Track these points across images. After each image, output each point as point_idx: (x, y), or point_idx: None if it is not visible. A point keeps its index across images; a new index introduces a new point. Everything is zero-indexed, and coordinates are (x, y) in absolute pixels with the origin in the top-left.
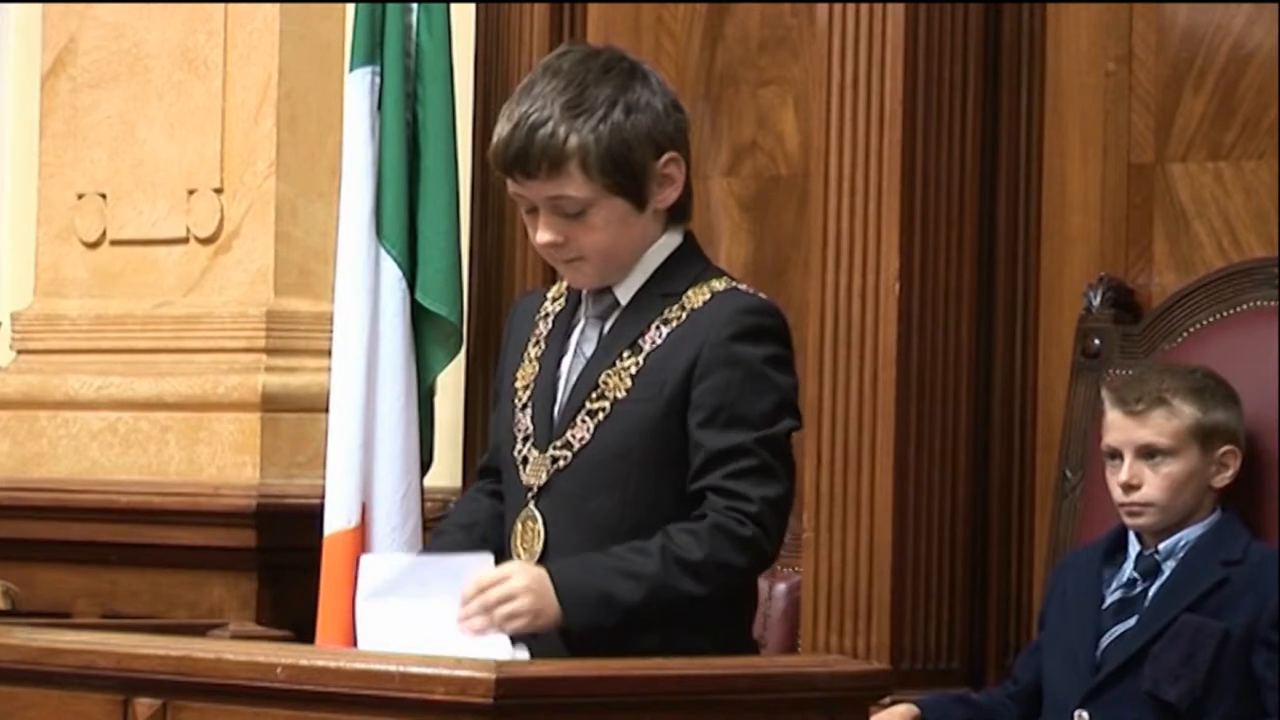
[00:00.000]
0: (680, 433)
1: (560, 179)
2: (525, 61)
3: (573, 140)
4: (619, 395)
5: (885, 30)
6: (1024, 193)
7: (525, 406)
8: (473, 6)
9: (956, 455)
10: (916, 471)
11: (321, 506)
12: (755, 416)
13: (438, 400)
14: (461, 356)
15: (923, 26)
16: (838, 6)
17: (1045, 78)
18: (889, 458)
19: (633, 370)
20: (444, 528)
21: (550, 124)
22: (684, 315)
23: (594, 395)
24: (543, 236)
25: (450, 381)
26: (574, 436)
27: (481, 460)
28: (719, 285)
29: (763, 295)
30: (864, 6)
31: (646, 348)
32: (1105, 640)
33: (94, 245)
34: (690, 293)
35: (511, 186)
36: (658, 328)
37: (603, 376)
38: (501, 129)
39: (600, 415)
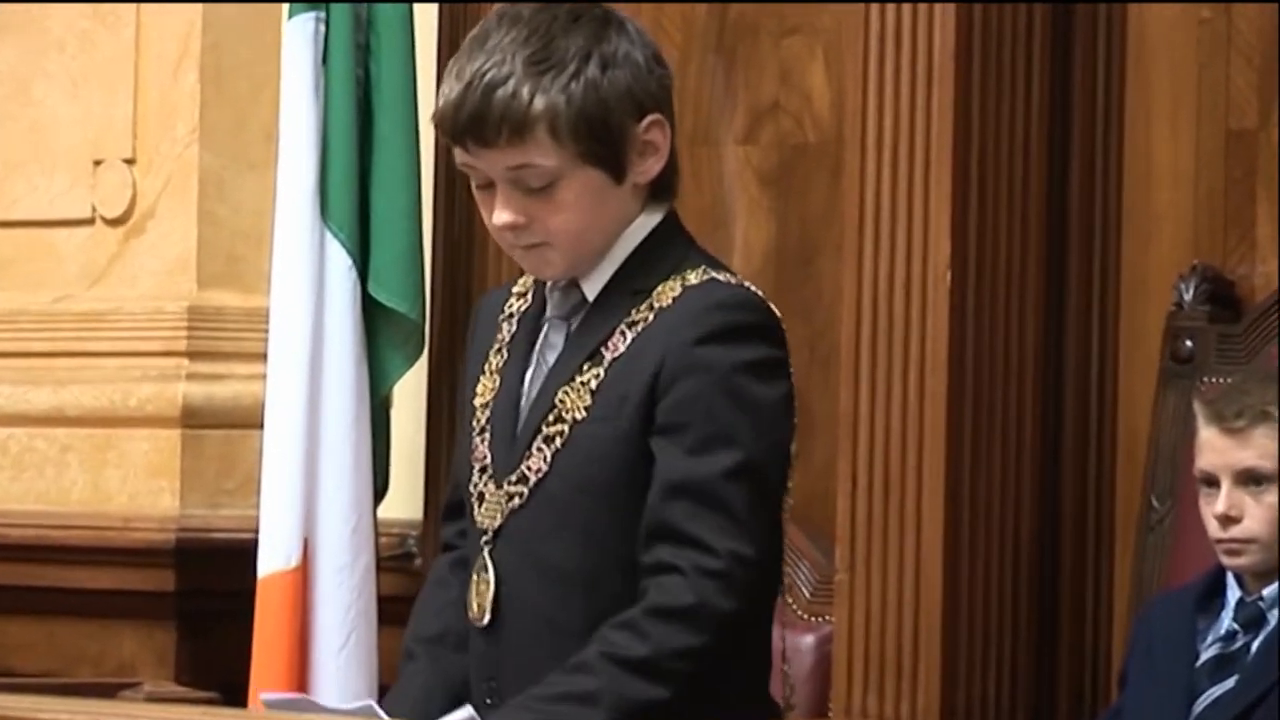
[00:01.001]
0: (645, 458)
1: (524, 146)
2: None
3: (539, 101)
4: (577, 416)
5: None
6: (1101, 164)
7: (484, 430)
8: None
9: (1021, 479)
10: (972, 499)
11: (254, 542)
12: (729, 438)
13: (395, 414)
14: (423, 361)
15: None
16: None
17: (1127, 25)
18: (939, 482)
19: (592, 385)
20: (409, 643)
21: (511, 82)
22: (651, 316)
23: (551, 417)
24: (500, 217)
25: (410, 391)
26: (529, 468)
27: (446, 496)
28: (693, 277)
29: (749, 286)
30: None
31: (609, 357)
32: (1200, 704)
33: None
34: (661, 288)
35: (461, 157)
36: (622, 332)
37: (560, 394)
38: (450, 89)
39: (558, 441)
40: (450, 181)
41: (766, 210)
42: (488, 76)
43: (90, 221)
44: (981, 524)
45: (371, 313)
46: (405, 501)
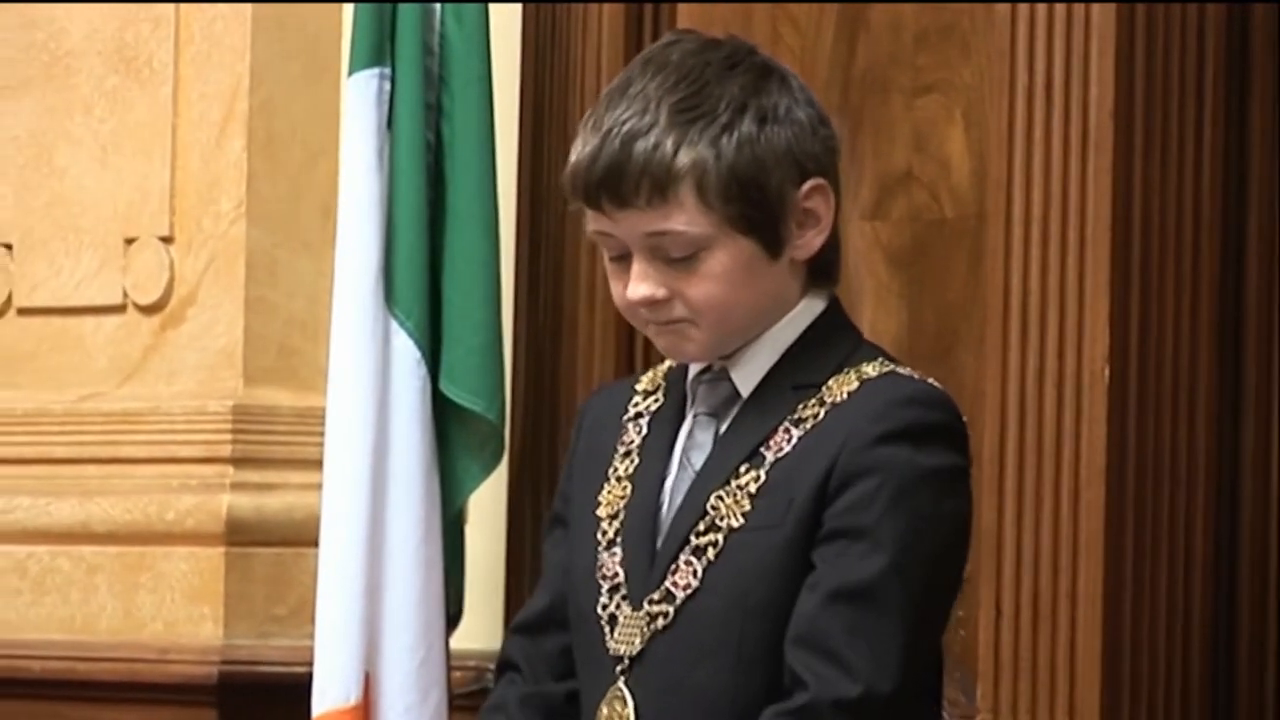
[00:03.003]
0: (810, 570)
1: (666, 208)
2: (591, 73)
3: (685, 155)
4: (733, 523)
5: (1090, 23)
6: None
7: (613, 545)
8: (519, 5)
9: (1190, 607)
10: (1134, 631)
11: (309, 677)
12: (899, 557)
13: (470, 530)
14: (503, 469)
15: (1141, 24)
16: (1023, 6)
17: None
18: (1096, 613)
19: (751, 489)
20: None
21: (654, 133)
22: (822, 413)
23: (702, 526)
24: (637, 290)
25: (487, 504)
26: (676, 584)
27: (527, 610)
28: (870, 370)
29: (933, 382)
30: (1059, 6)
31: (770, 458)
32: None
33: None
34: (832, 383)
35: (593, 223)
36: (786, 430)
37: (712, 500)
38: (585, 142)
39: (710, 552)
40: (534, 262)
41: (897, 295)
42: (628, 125)
43: (121, 309)
44: (1145, 660)
45: (443, 413)
46: (482, 630)
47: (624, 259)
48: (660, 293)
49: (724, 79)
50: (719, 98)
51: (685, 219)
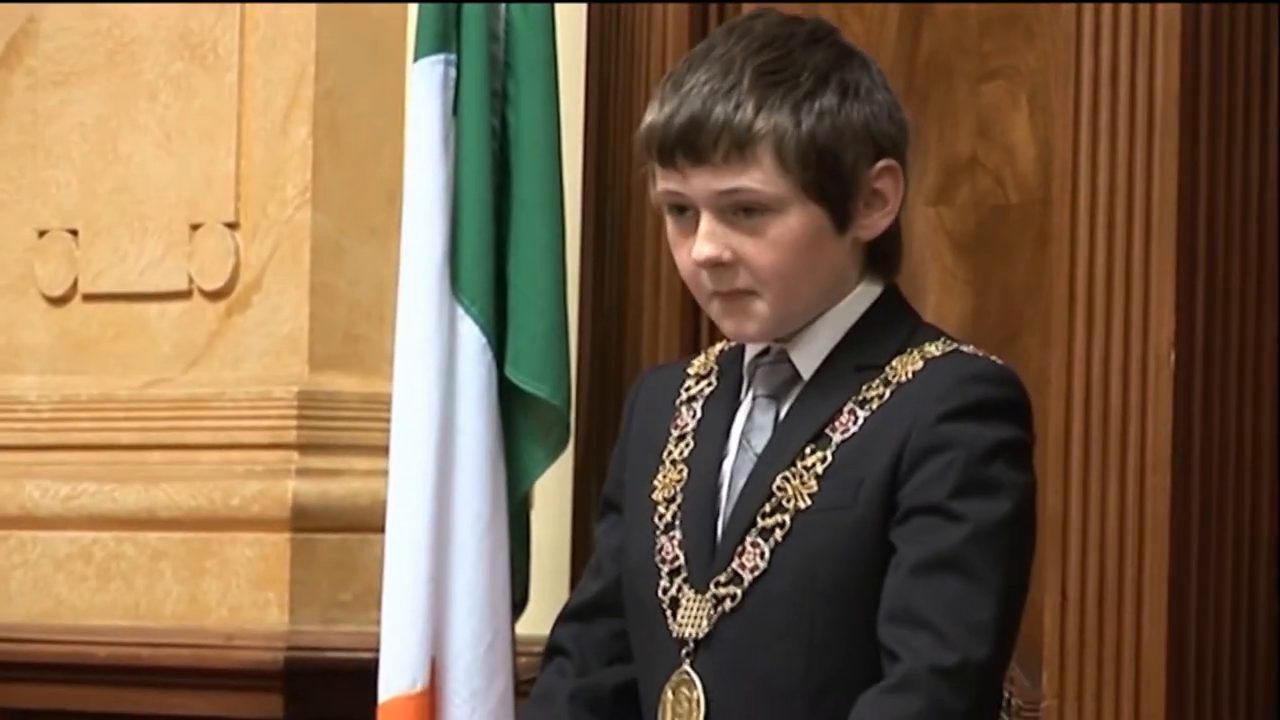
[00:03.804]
0: (881, 550)
1: (743, 165)
2: (656, 63)
3: (765, 117)
4: (800, 505)
5: (1155, 10)
6: None
7: (670, 528)
8: (583, 5)
9: (1255, 592)
10: (1200, 616)
11: (375, 663)
12: (978, 528)
13: (535, 515)
14: (568, 455)
15: (1206, 11)
16: (1089, 6)
17: None
18: (1161, 598)
19: (819, 470)
20: None
21: (736, 94)
22: (887, 393)
23: (768, 508)
24: (702, 250)
25: (553, 489)
26: (743, 566)
27: (577, 597)
28: (934, 350)
29: (996, 359)
30: (1124, 5)
31: (836, 439)
32: None
33: (60, 301)
34: (896, 362)
35: (663, 183)
36: (851, 411)
37: (778, 481)
38: (664, 101)
39: (778, 533)
40: (599, 248)
41: (962, 281)
42: (710, 85)
43: (187, 294)
44: (1210, 645)
45: (509, 399)
46: (547, 616)
47: (686, 214)
48: (726, 254)
49: (808, 49)
50: (803, 65)
51: (761, 177)
